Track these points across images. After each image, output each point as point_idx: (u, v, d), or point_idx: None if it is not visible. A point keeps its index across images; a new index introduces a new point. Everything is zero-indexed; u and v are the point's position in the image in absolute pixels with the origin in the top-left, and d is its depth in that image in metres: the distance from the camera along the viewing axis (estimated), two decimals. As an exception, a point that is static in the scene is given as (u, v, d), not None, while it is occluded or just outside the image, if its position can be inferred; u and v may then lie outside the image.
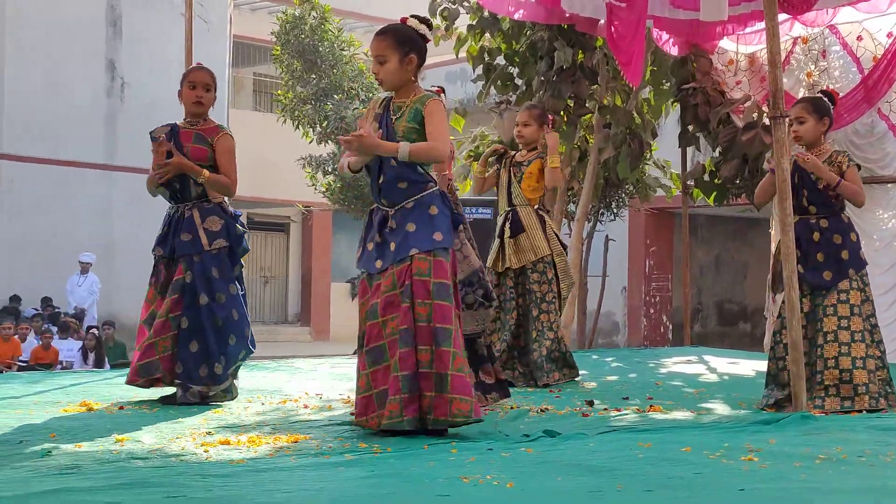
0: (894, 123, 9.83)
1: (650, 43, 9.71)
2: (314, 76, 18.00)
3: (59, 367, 14.03)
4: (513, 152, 7.18)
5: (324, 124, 17.75)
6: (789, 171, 5.51)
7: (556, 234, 7.08)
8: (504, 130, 9.96)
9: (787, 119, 5.63)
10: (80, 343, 15.19)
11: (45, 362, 14.21)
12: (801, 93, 9.51)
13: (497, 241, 7.02)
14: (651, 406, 5.57)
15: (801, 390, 5.29)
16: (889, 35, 9.40)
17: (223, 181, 5.51)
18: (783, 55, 9.21)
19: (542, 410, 5.33)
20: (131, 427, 4.56)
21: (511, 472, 3.55)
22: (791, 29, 9.61)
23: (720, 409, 5.78)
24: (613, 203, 13.15)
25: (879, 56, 9.46)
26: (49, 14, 18.62)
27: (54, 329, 15.52)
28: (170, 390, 5.50)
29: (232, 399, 5.51)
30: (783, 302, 5.62)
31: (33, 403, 5.45)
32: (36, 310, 17.19)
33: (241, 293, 5.60)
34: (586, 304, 14.29)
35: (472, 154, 12.03)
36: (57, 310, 17.33)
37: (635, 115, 10.41)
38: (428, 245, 4.41)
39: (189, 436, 4.36)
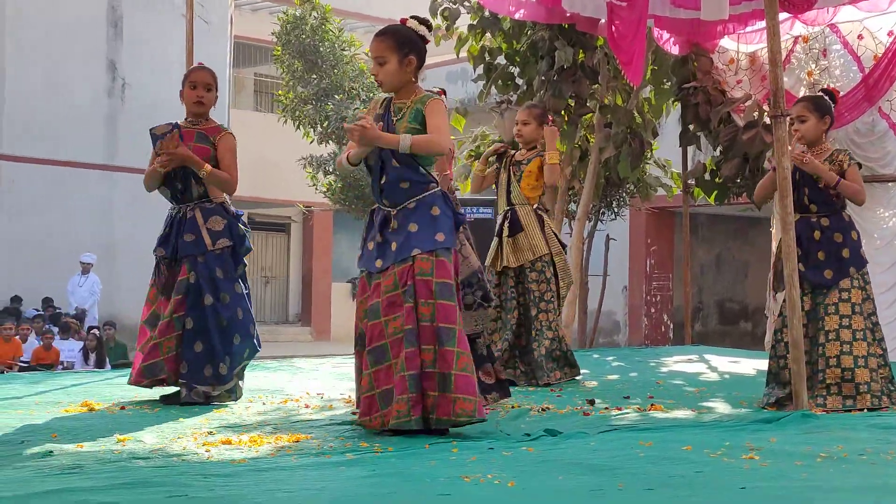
0: (895, 122, 9.83)
1: (651, 42, 9.71)
2: (315, 76, 18.01)
3: (61, 367, 14.04)
4: (513, 151, 7.18)
5: (324, 124, 17.76)
6: (790, 170, 5.51)
7: (554, 234, 7.08)
8: (505, 130, 9.96)
9: (787, 118, 5.63)
10: (81, 343, 15.20)
11: (46, 363, 14.23)
12: (802, 91, 9.52)
13: (496, 240, 7.02)
14: (652, 405, 5.56)
15: (802, 389, 5.29)
16: (890, 34, 9.40)
17: (224, 176, 5.50)
18: (784, 54, 9.21)
19: (543, 409, 5.32)
20: (133, 427, 4.56)
21: (512, 471, 3.55)
22: (792, 28, 9.61)
23: (721, 407, 5.77)
24: (614, 202, 13.14)
25: (880, 55, 9.47)
26: (49, 14, 18.61)
27: (55, 329, 15.54)
28: (170, 389, 5.51)
29: (235, 400, 5.51)
30: (784, 300, 5.61)
31: (34, 404, 5.45)
32: (37, 310, 17.19)
33: (245, 292, 5.60)
34: (587, 303, 14.27)
35: (472, 154, 12.02)
36: (58, 310, 17.33)
37: (636, 114, 10.41)
38: (430, 245, 4.40)
39: (191, 435, 4.36)
